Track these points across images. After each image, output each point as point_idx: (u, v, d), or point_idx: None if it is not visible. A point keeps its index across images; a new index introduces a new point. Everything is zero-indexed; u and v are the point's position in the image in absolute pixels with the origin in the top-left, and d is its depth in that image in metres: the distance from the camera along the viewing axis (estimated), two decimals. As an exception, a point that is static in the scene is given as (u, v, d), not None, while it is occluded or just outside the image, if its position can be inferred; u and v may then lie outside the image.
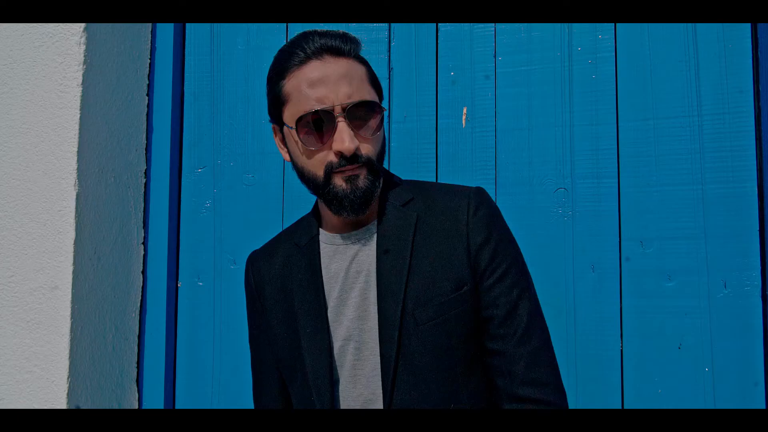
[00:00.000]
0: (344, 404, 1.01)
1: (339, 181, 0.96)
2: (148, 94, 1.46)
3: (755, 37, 1.23)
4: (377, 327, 0.99)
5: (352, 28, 1.39)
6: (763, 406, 1.17)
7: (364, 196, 0.96)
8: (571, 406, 1.25)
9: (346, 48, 0.97)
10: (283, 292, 1.08)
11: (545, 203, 1.31)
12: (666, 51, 1.27)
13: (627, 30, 1.30)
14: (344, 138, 0.93)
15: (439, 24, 1.39)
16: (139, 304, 1.39)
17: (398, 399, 0.97)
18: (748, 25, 1.23)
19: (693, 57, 1.26)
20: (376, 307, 1.00)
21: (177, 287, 1.46)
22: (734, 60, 1.24)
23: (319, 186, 0.98)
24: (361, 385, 1.00)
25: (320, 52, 0.96)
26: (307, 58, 0.96)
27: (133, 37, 1.39)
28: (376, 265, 1.00)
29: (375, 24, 1.41)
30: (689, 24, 1.26)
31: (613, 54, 1.30)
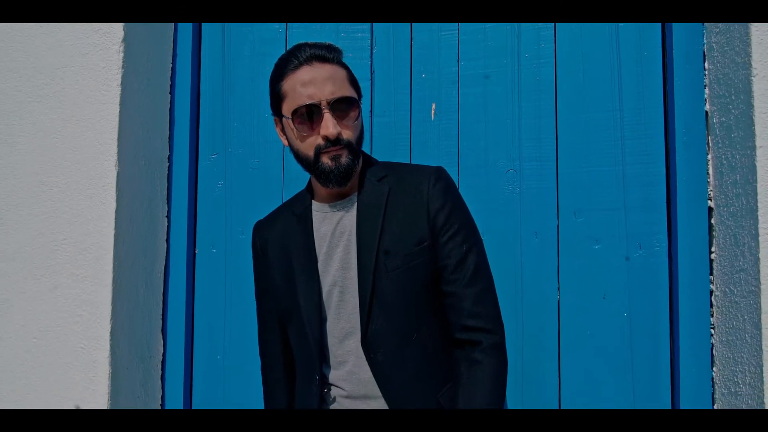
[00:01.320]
0: (330, 336, 1.27)
1: (326, 160, 1.21)
2: (170, 93, 1.68)
3: (664, 45, 1.50)
4: (357, 275, 1.24)
5: (341, 40, 1.65)
6: (668, 341, 1.44)
7: (346, 171, 1.22)
8: (516, 346, 1.50)
9: (330, 56, 1.24)
10: (282, 251, 1.33)
11: (498, 182, 1.57)
12: (595, 57, 1.54)
13: (564, 39, 1.55)
14: (329, 126, 1.19)
15: (413, 35, 1.65)
16: (164, 266, 1.64)
17: (372, 329, 1.22)
18: (659, 33, 1.50)
19: (616, 62, 1.52)
20: (356, 260, 1.24)
21: (195, 253, 1.70)
22: (648, 63, 1.51)
23: (310, 164, 1.24)
24: (343, 320, 1.25)
25: (310, 60, 1.22)
26: (300, 64, 1.22)
27: (159, 46, 1.62)
28: (356, 227, 1.25)
29: (359, 35, 1.66)
30: (614, 34, 1.52)
31: (553, 60, 1.56)
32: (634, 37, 1.52)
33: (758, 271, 1.16)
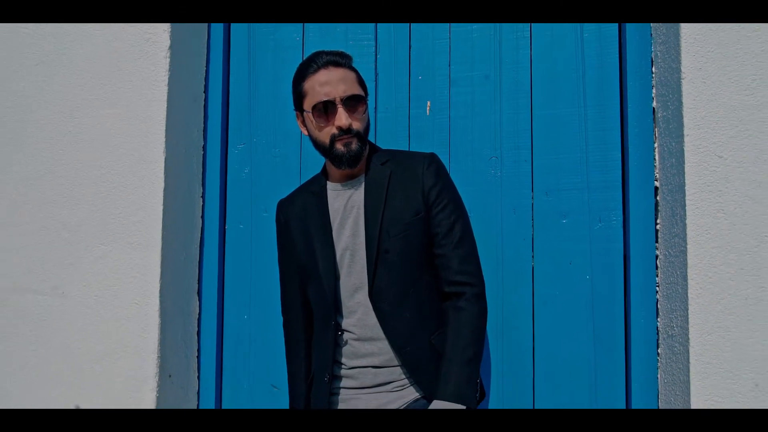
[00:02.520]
0: (343, 290, 1.54)
1: (339, 146, 1.50)
2: (204, 92, 1.95)
3: (620, 53, 1.78)
4: (364, 240, 1.52)
5: (350, 47, 1.92)
6: (623, 298, 1.72)
7: (356, 155, 1.50)
8: (496, 300, 1.77)
9: (342, 61, 1.52)
10: (302, 223, 1.61)
11: (483, 167, 1.85)
12: (563, 62, 1.82)
13: (538, 46, 1.83)
14: (342, 118, 1.47)
15: (411, 42, 1.93)
16: (199, 238, 1.92)
17: (377, 284, 1.50)
18: (617, 43, 1.79)
19: (581, 67, 1.80)
20: (364, 229, 1.52)
21: (225, 228, 1.98)
22: (607, 68, 1.79)
23: (326, 150, 1.52)
24: (354, 277, 1.53)
25: (327, 65, 1.50)
26: (318, 68, 1.51)
27: (196, 53, 1.89)
28: (364, 202, 1.53)
29: (365, 42, 1.94)
30: (579, 43, 1.80)
31: (529, 64, 1.84)
32: (595, 46, 1.80)
33: (686, 235, 1.45)
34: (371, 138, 1.71)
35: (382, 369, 1.50)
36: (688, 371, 1.42)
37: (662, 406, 1.60)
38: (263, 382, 1.92)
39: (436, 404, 1.39)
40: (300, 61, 1.75)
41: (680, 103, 1.47)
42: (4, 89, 1.82)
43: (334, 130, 1.48)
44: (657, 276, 1.66)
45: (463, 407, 1.38)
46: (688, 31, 1.47)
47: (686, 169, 1.45)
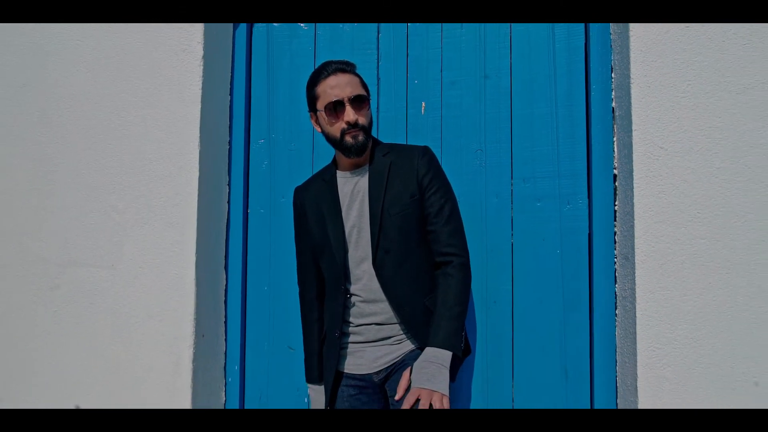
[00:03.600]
0: (351, 261, 1.77)
1: (348, 138, 1.74)
2: (230, 95, 2.20)
3: (587, 60, 2.08)
4: (369, 219, 1.77)
5: (356, 55, 2.17)
6: (587, 268, 2.01)
7: (362, 145, 1.75)
8: (482, 270, 2.04)
9: (348, 68, 1.77)
10: (316, 206, 1.85)
11: (469, 158, 2.11)
12: (538, 68, 2.08)
13: (516, 53, 2.09)
14: (350, 114, 1.72)
15: (409, 51, 2.20)
16: (226, 220, 2.17)
17: (379, 255, 1.74)
18: (583, 52, 2.08)
19: (553, 71, 2.07)
20: (368, 209, 1.77)
21: (247, 212, 2.23)
22: (575, 74, 2.05)
23: (337, 142, 1.77)
24: (360, 250, 1.78)
25: (335, 71, 1.76)
26: (329, 75, 1.76)
27: (223, 62, 2.15)
28: (368, 187, 1.78)
29: (368, 51, 2.21)
30: (551, 51, 2.08)
31: (509, 69, 2.10)
32: (565, 55, 2.08)
33: (634, 213, 1.74)
34: (374, 133, 1.98)
35: (383, 326, 1.77)
36: (635, 324, 1.72)
37: (618, 358, 1.90)
38: (281, 344, 2.19)
39: (428, 351, 1.65)
40: (312, 68, 2.05)
41: (630, 102, 1.76)
42: (60, 92, 2.10)
43: (344, 125, 1.73)
44: (615, 249, 1.95)
45: (450, 353, 1.66)
46: (637, 44, 1.76)
47: (634, 158, 1.74)
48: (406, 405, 1.58)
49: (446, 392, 1.59)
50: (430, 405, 1.56)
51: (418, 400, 1.58)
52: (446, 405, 1.58)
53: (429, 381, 1.59)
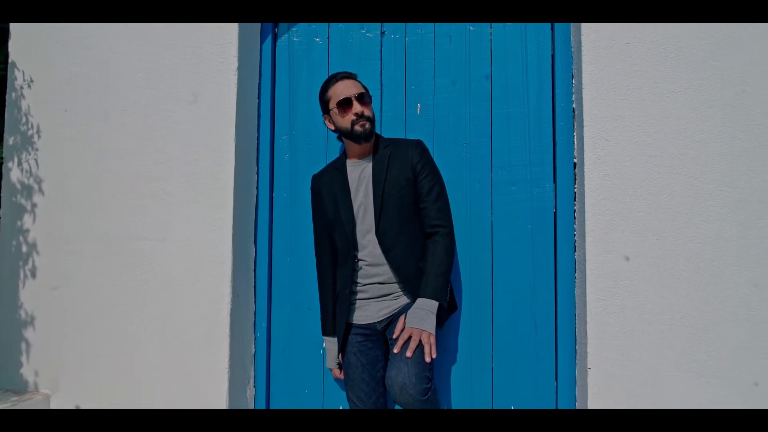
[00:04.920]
0: (358, 233, 2.16)
1: (357, 127, 2.12)
2: (258, 98, 2.58)
3: (553, 68, 2.48)
4: (372, 199, 2.17)
5: (362, 65, 2.57)
6: (552, 239, 2.42)
7: (369, 132, 2.13)
8: (465, 243, 2.41)
9: (352, 76, 2.18)
10: (330, 190, 2.25)
11: (456, 150, 2.51)
12: (514, 75, 2.46)
13: (496, 62, 2.49)
14: (357, 107, 2.11)
15: (407, 60, 2.62)
16: (255, 202, 2.56)
17: (381, 228, 2.13)
18: (550, 61, 2.49)
19: (525, 77, 2.47)
20: (372, 191, 2.18)
21: (272, 196, 2.61)
22: (544, 79, 2.44)
23: (348, 132, 2.15)
24: (365, 223, 2.16)
25: (343, 78, 2.16)
26: (337, 81, 2.16)
27: (252, 71, 2.54)
28: (372, 173, 2.18)
29: (372, 61, 2.61)
30: (524, 58, 2.49)
31: (490, 74, 2.51)
32: (536, 63, 2.47)
33: (584, 192, 2.15)
34: (378, 129, 2.39)
35: (385, 284, 2.16)
36: (585, 283, 2.13)
37: (578, 313, 2.31)
38: (301, 305, 2.58)
39: (419, 300, 2.04)
40: (325, 76, 2.45)
41: (582, 103, 2.18)
42: (119, 97, 2.54)
43: (353, 117, 2.12)
44: (575, 223, 2.37)
45: (437, 302, 2.07)
46: (588, 56, 2.17)
47: (585, 148, 2.15)
48: (400, 342, 1.99)
49: (433, 332, 2.00)
50: (420, 343, 1.98)
51: (410, 338, 1.99)
52: (432, 342, 1.99)
53: (419, 323, 2.01)
